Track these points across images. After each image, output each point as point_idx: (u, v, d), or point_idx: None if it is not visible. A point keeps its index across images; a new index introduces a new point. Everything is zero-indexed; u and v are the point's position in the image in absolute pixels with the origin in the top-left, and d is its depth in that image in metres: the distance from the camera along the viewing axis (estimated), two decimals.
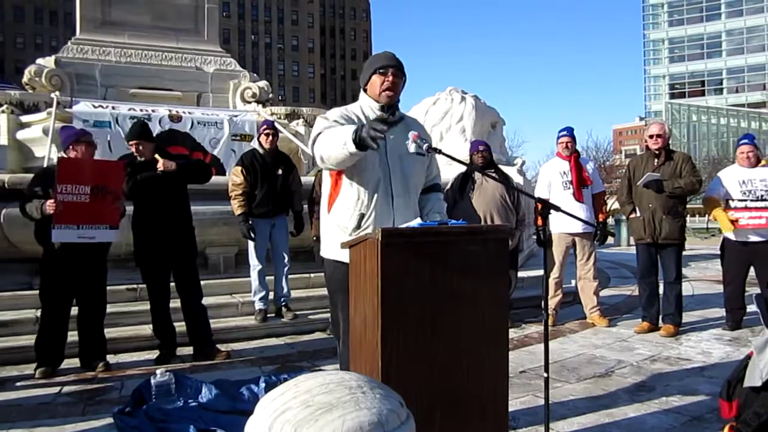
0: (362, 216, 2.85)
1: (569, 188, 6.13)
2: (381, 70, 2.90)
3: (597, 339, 5.60)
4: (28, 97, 9.20)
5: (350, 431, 1.14)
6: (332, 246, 2.96)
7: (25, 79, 9.56)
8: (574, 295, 6.83)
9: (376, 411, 1.19)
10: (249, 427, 1.20)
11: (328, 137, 2.70)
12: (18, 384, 4.32)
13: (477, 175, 5.86)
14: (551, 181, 6.30)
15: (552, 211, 2.97)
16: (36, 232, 4.57)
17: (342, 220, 2.90)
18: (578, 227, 5.97)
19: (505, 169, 8.94)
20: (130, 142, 4.99)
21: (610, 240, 19.18)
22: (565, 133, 6.31)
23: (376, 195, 2.86)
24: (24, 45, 68.42)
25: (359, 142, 2.52)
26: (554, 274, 6.28)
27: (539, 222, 6.08)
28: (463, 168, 5.87)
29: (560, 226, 6.10)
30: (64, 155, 4.62)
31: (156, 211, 4.89)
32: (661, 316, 5.87)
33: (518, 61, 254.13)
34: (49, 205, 4.33)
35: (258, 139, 6.13)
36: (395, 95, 2.93)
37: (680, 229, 5.75)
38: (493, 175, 5.69)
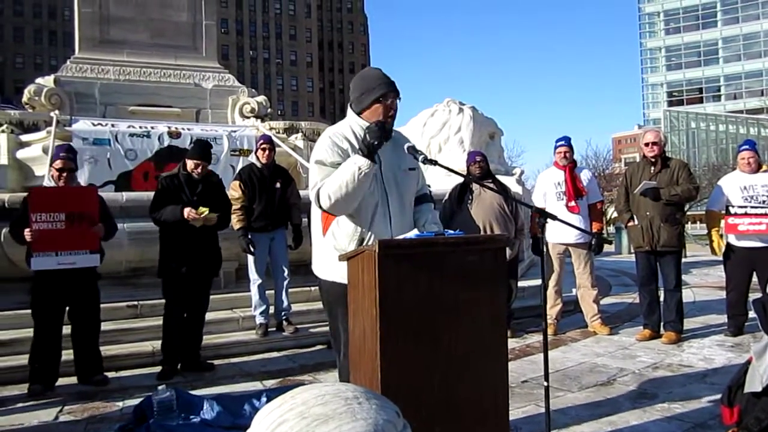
0: (362, 240, 2.83)
1: (562, 199, 6.14)
2: (382, 99, 2.87)
3: (599, 347, 5.59)
4: (28, 116, 9.24)
5: None
6: (330, 268, 2.95)
7: (24, 99, 9.61)
8: (575, 304, 6.82)
9: (372, 421, 1.19)
10: None
11: (334, 181, 2.72)
12: (19, 404, 4.32)
13: (475, 186, 5.88)
14: (546, 191, 6.32)
15: (549, 220, 2.99)
16: (26, 254, 4.61)
17: (341, 244, 2.88)
18: (571, 237, 6.00)
19: (503, 179, 8.97)
20: (193, 161, 5.03)
21: (611, 248, 19.19)
22: (562, 142, 6.32)
23: (374, 217, 2.86)
24: (23, 65, 68.80)
25: (367, 151, 2.61)
26: (552, 283, 6.28)
27: (536, 231, 6.10)
28: (461, 179, 5.89)
29: (554, 236, 6.10)
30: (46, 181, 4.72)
31: (186, 227, 4.91)
32: (662, 324, 5.86)
33: (516, 72, 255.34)
34: (26, 235, 4.40)
35: (255, 153, 6.17)
36: (394, 120, 2.93)
37: (678, 236, 5.76)
38: (491, 185, 5.70)
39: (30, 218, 4.46)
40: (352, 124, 2.96)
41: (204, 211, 4.87)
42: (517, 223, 6.03)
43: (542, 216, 2.97)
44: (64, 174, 4.76)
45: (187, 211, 4.82)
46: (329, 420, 1.19)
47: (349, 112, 3.01)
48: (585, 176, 6.37)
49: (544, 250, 6.12)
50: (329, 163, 2.83)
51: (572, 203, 6.10)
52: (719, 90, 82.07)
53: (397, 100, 2.93)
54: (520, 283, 7.86)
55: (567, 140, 6.34)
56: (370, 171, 2.66)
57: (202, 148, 5.17)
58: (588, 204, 6.27)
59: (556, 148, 6.34)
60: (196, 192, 4.99)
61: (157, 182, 5.22)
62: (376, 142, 2.64)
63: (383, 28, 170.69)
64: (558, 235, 6.06)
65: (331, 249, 2.91)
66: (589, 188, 6.28)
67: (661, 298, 5.94)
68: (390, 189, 2.90)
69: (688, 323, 6.18)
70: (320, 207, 2.84)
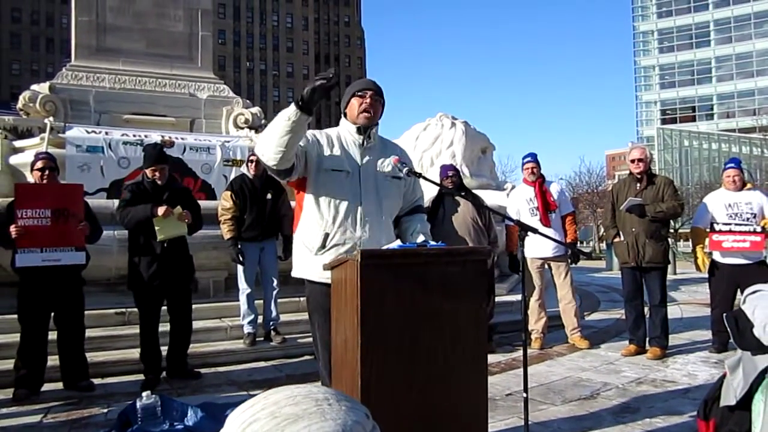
0: (327, 235, 2.88)
1: (536, 214, 6.27)
2: (359, 93, 2.97)
3: (584, 362, 5.63)
4: (22, 122, 9.26)
5: None
6: (300, 265, 3.02)
7: (19, 105, 9.63)
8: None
9: (341, 422, 1.24)
10: None
11: (268, 128, 2.75)
12: (3, 409, 4.32)
13: (448, 198, 5.95)
14: (519, 208, 6.41)
15: (529, 233, 3.04)
16: (12, 258, 4.63)
17: (307, 239, 2.94)
18: (549, 251, 6.09)
19: (495, 193, 9.04)
20: (150, 168, 5.01)
21: (602, 264, 19.29)
22: (529, 159, 6.44)
23: (342, 214, 2.90)
24: (20, 71, 68.73)
25: (305, 98, 2.61)
26: (535, 297, 6.35)
27: (512, 248, 6.19)
28: (436, 193, 5.97)
29: (531, 250, 6.16)
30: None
31: (152, 237, 4.89)
32: (647, 339, 5.91)
33: (512, 87, 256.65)
34: (12, 230, 4.42)
35: (246, 164, 6.22)
36: (373, 117, 2.98)
37: (663, 252, 5.83)
38: (461, 196, 5.70)
39: (15, 214, 4.48)
40: (341, 128, 3.07)
41: (178, 210, 4.87)
42: (490, 235, 6.08)
43: (522, 229, 3.02)
44: (46, 173, 4.78)
45: (162, 209, 4.78)
46: (299, 419, 1.23)
47: (342, 118, 3.12)
48: (554, 189, 6.48)
49: (519, 264, 6.23)
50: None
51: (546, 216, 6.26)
52: (712, 109, 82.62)
53: (378, 100, 2.99)
54: (509, 297, 7.92)
55: (533, 156, 6.47)
56: (298, 119, 2.65)
57: (155, 153, 5.09)
58: (561, 216, 6.36)
59: (523, 164, 6.47)
60: (163, 199, 4.95)
61: (123, 191, 5.16)
62: (308, 92, 2.62)
63: (380, 41, 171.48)
64: (535, 249, 6.15)
65: (301, 245, 2.98)
66: (560, 201, 6.41)
67: (647, 314, 5.99)
68: (366, 191, 2.94)
69: (674, 339, 6.24)
70: (256, 152, 2.89)
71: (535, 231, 2.96)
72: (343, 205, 2.90)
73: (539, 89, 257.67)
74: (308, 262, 2.91)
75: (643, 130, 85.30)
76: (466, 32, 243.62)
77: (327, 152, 2.92)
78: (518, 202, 6.47)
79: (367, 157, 2.96)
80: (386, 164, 2.96)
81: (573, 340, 6.26)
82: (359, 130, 2.98)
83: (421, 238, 3.03)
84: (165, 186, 5.03)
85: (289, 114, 2.65)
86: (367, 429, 1.30)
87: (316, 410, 1.24)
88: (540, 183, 6.35)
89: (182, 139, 9.01)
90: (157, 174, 4.99)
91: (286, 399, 1.28)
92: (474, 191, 6.98)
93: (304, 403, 1.26)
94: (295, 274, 3.09)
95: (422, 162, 10.15)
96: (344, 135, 3.02)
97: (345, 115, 3.06)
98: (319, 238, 2.88)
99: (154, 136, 8.80)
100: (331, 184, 2.89)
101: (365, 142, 2.98)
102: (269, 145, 2.71)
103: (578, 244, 6.72)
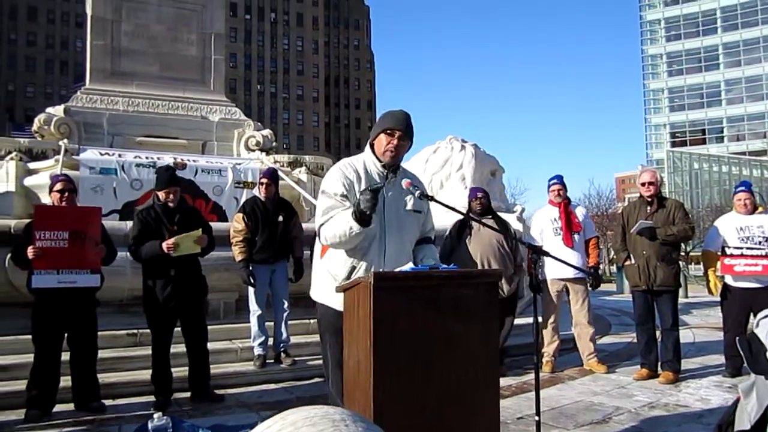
0: (354, 268, 2.97)
1: (559, 234, 6.25)
2: (389, 131, 3.03)
3: (596, 386, 5.59)
4: (37, 144, 9.41)
5: None
6: (323, 291, 3.11)
7: (34, 127, 9.79)
8: (573, 342, 6.82)
9: None
10: None
11: (332, 228, 2.90)
12: (17, 428, 4.33)
13: (474, 222, 5.95)
14: (543, 228, 6.41)
15: (544, 256, 3.06)
16: (27, 277, 4.66)
17: (334, 269, 3.04)
18: (569, 273, 6.06)
19: (504, 216, 9.03)
20: (163, 191, 5.02)
21: (613, 287, 19.16)
22: (555, 180, 6.47)
23: (368, 248, 2.98)
24: (34, 94, 69.74)
25: (359, 217, 2.73)
26: (550, 320, 6.33)
27: (528, 268, 6.16)
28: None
29: (552, 271, 6.19)
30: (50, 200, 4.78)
31: (166, 259, 4.90)
32: (659, 363, 5.86)
33: (521, 110, 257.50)
34: (29, 251, 4.46)
35: (258, 186, 6.28)
36: (397, 157, 3.06)
37: (675, 275, 5.81)
38: (490, 222, 5.76)
39: (33, 235, 4.53)
40: (365, 156, 3.14)
41: (195, 234, 4.91)
42: (516, 259, 6.09)
43: (534, 252, 3.04)
44: (66, 195, 4.84)
45: (166, 244, 4.79)
46: None
47: (367, 147, 3.19)
48: (580, 212, 6.51)
49: (538, 286, 6.20)
50: (332, 194, 3.00)
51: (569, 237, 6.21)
52: (722, 131, 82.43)
53: (405, 141, 3.06)
54: (518, 321, 7.87)
55: (560, 178, 6.50)
56: (361, 232, 2.81)
57: (168, 175, 5.10)
58: (585, 239, 6.36)
59: (549, 186, 6.48)
60: (175, 221, 4.98)
61: (134, 217, 5.19)
62: (368, 212, 2.74)
63: (389, 64, 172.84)
64: (556, 271, 6.13)
65: (326, 273, 3.07)
66: (585, 224, 6.41)
67: (659, 338, 5.95)
68: (390, 226, 3.01)
69: (687, 363, 6.18)
70: (321, 243, 3.05)
71: (546, 254, 2.97)
72: (371, 238, 2.97)
73: (548, 112, 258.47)
74: (331, 290, 2.99)
75: (653, 153, 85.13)
76: (474, 55, 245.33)
77: (355, 189, 3.01)
78: (542, 222, 6.47)
79: (390, 192, 3.04)
80: (409, 201, 3.03)
81: (590, 365, 6.21)
82: (384, 166, 3.05)
83: (431, 262, 3.06)
84: (176, 208, 5.06)
85: (351, 228, 2.80)
86: None
87: (333, 431, 1.26)
88: (565, 204, 6.37)
89: (194, 161, 9.11)
90: (170, 196, 5.03)
91: (303, 420, 1.30)
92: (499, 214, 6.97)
93: (321, 423, 1.28)
94: (315, 297, 3.19)
95: (432, 185, 10.17)
96: (370, 167, 3.09)
97: (372, 146, 3.12)
98: (345, 269, 2.98)
99: (167, 159, 8.91)
100: None
101: (389, 177, 3.05)
102: (342, 246, 2.97)
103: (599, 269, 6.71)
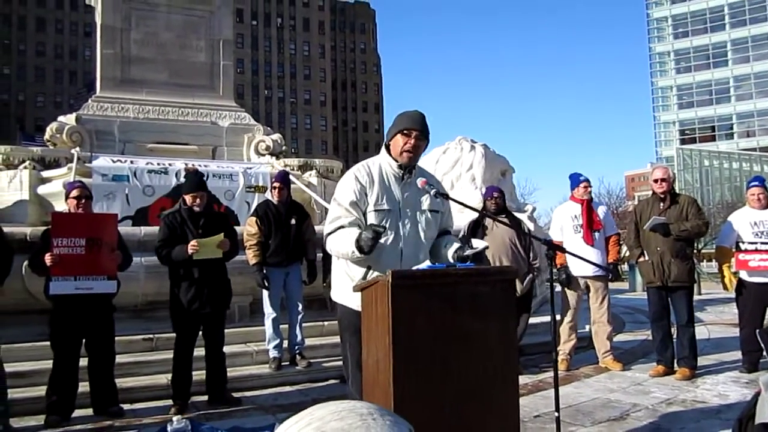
0: (369, 268, 2.99)
1: (579, 231, 6.21)
2: (405, 132, 3.04)
3: (612, 383, 5.57)
4: (49, 153, 9.46)
5: None
6: (341, 291, 3.14)
7: (47, 136, 9.86)
8: (589, 340, 6.80)
9: None
10: None
11: (336, 244, 3.01)
12: None
13: (488, 221, 5.96)
14: (563, 225, 6.39)
15: (562, 253, 3.06)
16: (45, 283, 4.71)
17: (350, 269, 3.07)
18: (589, 270, 6.03)
19: (517, 215, 9.01)
20: (190, 195, 5.08)
21: (625, 285, 19.08)
22: (584, 177, 6.43)
23: (384, 250, 2.99)
24: (44, 104, 70.33)
25: (360, 249, 2.80)
26: (568, 318, 6.31)
27: (558, 263, 6.13)
28: (475, 215, 5.96)
29: (573, 269, 6.16)
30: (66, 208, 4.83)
31: (194, 264, 4.95)
32: (676, 360, 5.84)
33: (530, 110, 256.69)
34: (47, 258, 4.50)
35: (270, 191, 6.30)
36: (414, 158, 3.08)
37: (689, 271, 5.78)
38: (504, 220, 5.76)
39: (51, 242, 4.58)
40: (382, 161, 3.16)
41: (217, 238, 4.95)
42: (530, 258, 6.08)
43: (550, 248, 3.04)
44: (83, 201, 4.89)
45: (191, 246, 4.84)
46: None
47: (383, 149, 3.21)
48: (601, 211, 6.49)
49: (564, 280, 6.17)
50: (341, 203, 3.05)
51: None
52: (732, 128, 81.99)
53: (422, 141, 3.08)
54: (533, 320, 7.86)
55: (586, 176, 6.45)
56: (362, 257, 2.89)
57: (196, 180, 5.20)
58: (605, 237, 6.34)
59: (580, 182, 6.38)
60: (200, 225, 5.04)
61: (160, 221, 5.26)
62: (366, 250, 2.80)
63: (396, 67, 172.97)
64: (577, 268, 6.11)
65: (343, 273, 3.09)
66: (605, 222, 6.38)
67: (674, 334, 5.93)
68: (405, 226, 3.03)
69: (703, 360, 6.15)
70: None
71: (563, 250, 2.98)
72: (386, 239, 2.99)
73: (557, 112, 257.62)
74: (349, 290, 3.01)
75: (662, 151, 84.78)
76: (482, 56, 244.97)
77: (372, 196, 3.04)
78: (563, 218, 6.44)
79: (407, 193, 3.07)
80: (425, 201, 3.04)
81: (605, 363, 6.18)
82: (400, 167, 3.07)
83: (455, 246, 3.11)
84: (201, 213, 5.11)
85: (353, 252, 2.88)
86: None
87: (361, 424, 1.27)
88: (588, 202, 6.35)
89: (205, 166, 9.13)
90: (197, 201, 5.08)
91: (331, 414, 1.31)
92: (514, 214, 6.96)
93: (349, 417, 1.29)
94: (334, 298, 3.24)
95: (442, 185, 10.18)
96: (385, 168, 3.11)
97: (387, 148, 3.14)
98: (361, 270, 3.00)
99: (178, 164, 8.95)
100: (374, 221, 3.00)
101: (405, 177, 3.07)
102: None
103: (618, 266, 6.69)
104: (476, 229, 6.03)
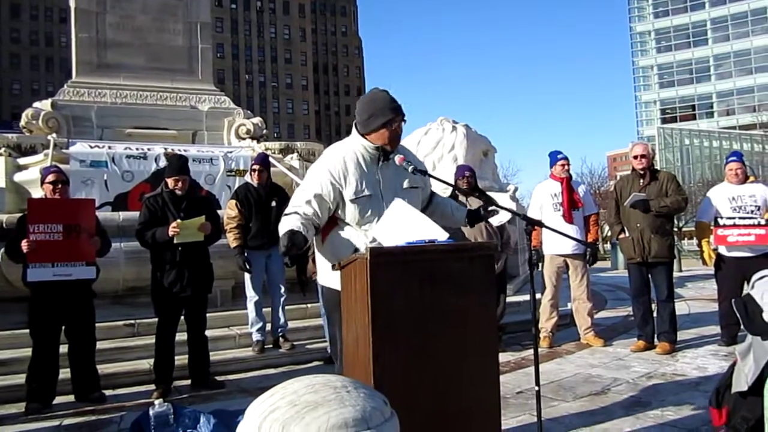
0: (356, 250, 2.93)
1: (559, 210, 6.23)
2: (389, 124, 2.97)
3: (593, 359, 5.63)
4: (25, 139, 9.30)
5: (335, 427, 1.20)
6: (326, 274, 3.08)
7: (22, 123, 9.68)
8: (570, 317, 6.86)
9: (360, 408, 1.26)
10: (240, 428, 1.27)
11: (282, 225, 2.97)
12: (17, 423, 4.33)
13: (462, 199, 5.95)
14: (543, 203, 6.40)
15: (544, 231, 3.06)
16: (23, 270, 4.65)
17: (337, 251, 3.02)
18: (568, 248, 6.07)
19: (498, 195, 9.05)
20: (172, 178, 5.05)
21: (607, 264, 19.27)
22: (562, 155, 6.43)
23: (370, 233, 2.96)
24: (20, 91, 69.13)
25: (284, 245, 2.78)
26: (548, 295, 6.36)
27: (535, 245, 6.16)
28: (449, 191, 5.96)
29: (551, 247, 6.20)
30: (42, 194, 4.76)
31: (174, 246, 4.92)
32: (656, 335, 5.90)
33: (511, 91, 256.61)
34: (23, 245, 4.44)
35: (250, 174, 6.25)
36: (399, 140, 3.06)
37: (669, 247, 5.83)
38: (476, 201, 5.73)
39: (27, 229, 4.51)
40: (356, 146, 3.05)
41: (198, 220, 4.91)
42: (503, 237, 6.08)
43: (529, 223, 3.04)
44: (59, 186, 4.81)
45: (172, 228, 4.82)
46: (319, 407, 1.25)
47: (354, 132, 3.09)
48: (581, 190, 6.52)
49: (535, 261, 6.22)
50: (308, 192, 3.00)
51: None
52: (712, 107, 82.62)
53: (402, 123, 3.03)
54: (516, 298, 7.93)
55: (564, 154, 6.46)
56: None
57: (178, 164, 5.17)
58: (584, 216, 6.36)
59: (557, 160, 6.39)
60: (181, 208, 5.00)
61: (142, 204, 5.22)
62: (282, 251, 2.79)
63: (377, 50, 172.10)
64: (555, 246, 6.15)
65: (329, 256, 3.04)
66: (585, 200, 6.41)
67: (655, 310, 5.99)
68: (388, 205, 2.98)
69: (683, 335, 6.23)
70: None
71: (542, 225, 2.98)
72: (369, 225, 2.97)
73: (538, 92, 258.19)
74: (334, 272, 2.92)
75: (644, 130, 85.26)
76: (463, 37, 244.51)
77: (347, 186, 2.96)
78: (542, 196, 6.44)
79: (385, 173, 3.02)
80: (405, 179, 3.03)
81: (586, 339, 6.25)
82: (377, 149, 3.00)
83: (462, 212, 3.21)
84: (183, 196, 5.07)
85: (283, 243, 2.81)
86: (386, 415, 1.32)
87: (335, 397, 1.26)
88: (568, 180, 6.35)
89: (185, 151, 9.02)
90: (179, 184, 5.04)
91: (305, 388, 1.30)
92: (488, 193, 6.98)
93: (323, 390, 1.28)
94: (321, 281, 3.18)
95: (419, 159, 10.17)
96: (360, 152, 3.02)
97: (365, 134, 3.02)
98: (348, 253, 2.91)
99: (157, 149, 8.84)
100: (356, 209, 2.97)
101: (381, 160, 3.02)
102: None
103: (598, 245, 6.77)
104: None
